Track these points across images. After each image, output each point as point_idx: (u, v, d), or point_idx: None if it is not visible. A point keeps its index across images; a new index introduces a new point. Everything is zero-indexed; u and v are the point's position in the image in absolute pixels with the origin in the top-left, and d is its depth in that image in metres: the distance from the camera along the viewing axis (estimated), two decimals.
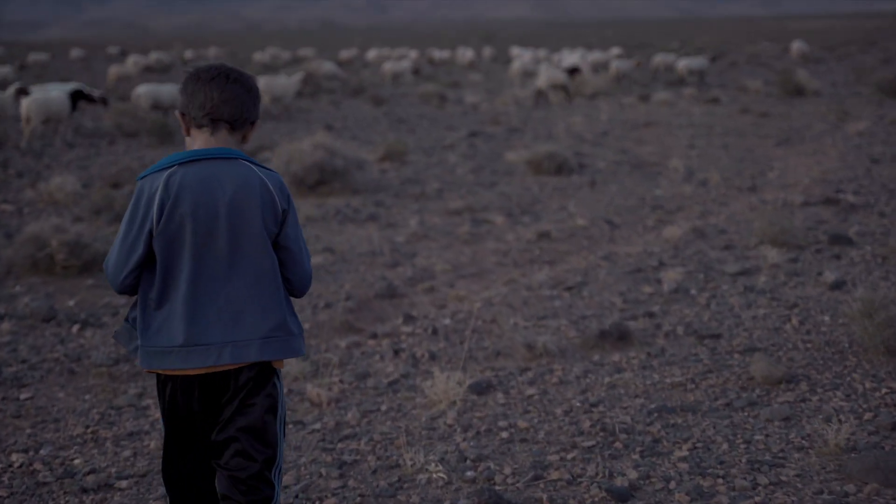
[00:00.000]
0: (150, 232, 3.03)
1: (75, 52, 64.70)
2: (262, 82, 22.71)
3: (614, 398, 5.46)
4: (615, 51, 47.05)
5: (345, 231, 10.96)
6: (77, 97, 18.78)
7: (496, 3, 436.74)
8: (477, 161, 15.72)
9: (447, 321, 7.20)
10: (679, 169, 14.29)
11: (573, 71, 29.59)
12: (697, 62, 34.71)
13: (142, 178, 3.08)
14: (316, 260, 9.38)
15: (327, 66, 35.49)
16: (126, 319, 3.19)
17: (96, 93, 20.31)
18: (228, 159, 3.09)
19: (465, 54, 48.08)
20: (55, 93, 18.43)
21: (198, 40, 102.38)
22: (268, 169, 3.16)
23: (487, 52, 56.49)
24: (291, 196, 3.20)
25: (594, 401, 5.42)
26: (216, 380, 3.10)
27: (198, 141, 3.13)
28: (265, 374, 3.15)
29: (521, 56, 38.64)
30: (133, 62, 41.99)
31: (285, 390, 5.69)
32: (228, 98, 3.10)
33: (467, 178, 14.16)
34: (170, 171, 3.05)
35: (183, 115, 3.14)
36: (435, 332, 6.96)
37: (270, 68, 43.23)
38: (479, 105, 25.73)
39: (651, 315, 7.01)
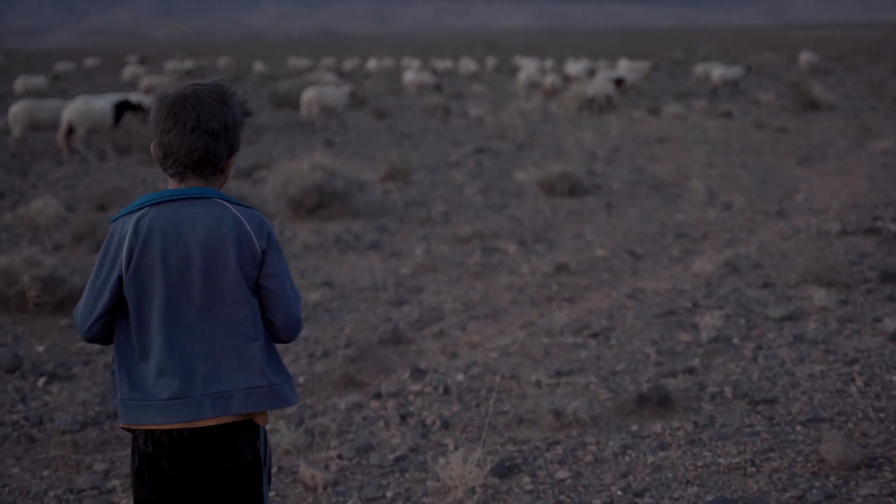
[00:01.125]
0: (120, 279, 2.85)
1: (90, 62, 63.54)
2: (313, 93, 22.00)
3: (662, 485, 4.62)
4: (623, 62, 46.28)
5: (345, 261, 10.15)
6: (122, 108, 18.56)
7: (498, 12, 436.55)
8: (484, 180, 14.91)
9: (460, 377, 6.37)
10: (699, 190, 13.48)
11: (619, 81, 29.68)
12: (733, 72, 33.93)
13: (114, 220, 2.90)
14: (313, 296, 8.58)
15: (328, 78, 34.71)
16: (112, 372, 2.96)
17: (146, 102, 19.93)
18: (202, 199, 2.89)
19: (469, 65, 47.30)
20: (99, 103, 18.19)
21: (200, 48, 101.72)
22: (245, 206, 2.94)
23: (491, 62, 55.72)
24: (273, 233, 2.95)
25: (638, 488, 4.59)
26: (196, 437, 2.87)
27: (171, 181, 2.95)
28: (247, 431, 2.93)
29: (528, 67, 37.76)
30: (172, 69, 41.34)
31: (274, 468, 4.91)
32: (193, 149, 2.85)
33: (475, 199, 13.36)
34: (140, 213, 2.86)
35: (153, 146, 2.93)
36: (447, 390, 6.13)
37: (270, 79, 42.41)
38: (485, 118, 24.93)
39: (692, 371, 6.18)
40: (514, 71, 50.94)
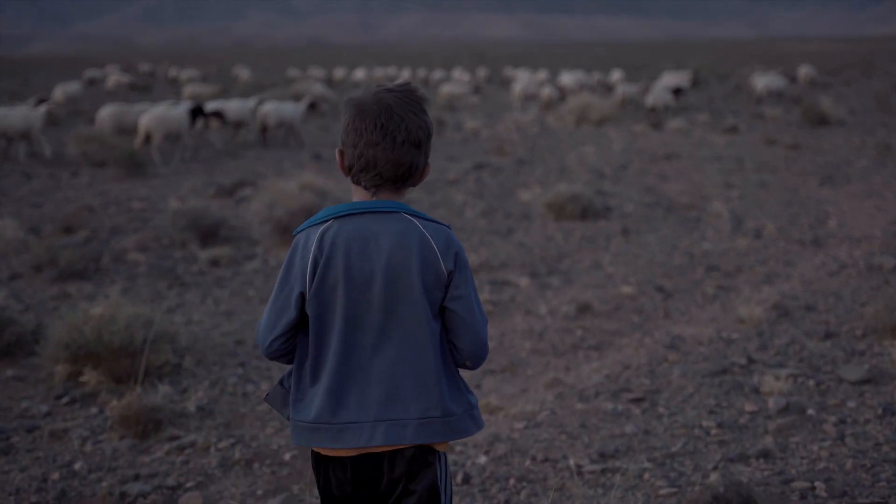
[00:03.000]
0: (303, 294, 2.74)
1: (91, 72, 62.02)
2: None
3: None
4: (617, 74, 45.28)
5: None
6: (196, 113, 18.75)
7: (485, 23, 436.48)
8: (487, 201, 13.78)
9: (482, 459, 5.21)
10: (722, 214, 12.37)
11: (678, 91, 29.30)
12: (777, 81, 32.97)
13: (297, 231, 2.79)
14: None
15: (316, 88, 33.57)
16: (280, 383, 2.92)
17: (209, 107, 20.44)
18: (388, 213, 2.75)
19: (462, 76, 46.22)
20: (176, 109, 18.50)
21: (185, 57, 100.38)
22: (435, 222, 2.79)
23: (482, 72, 54.63)
24: (462, 253, 2.79)
25: None
26: (370, 462, 2.76)
27: (357, 193, 2.81)
28: (425, 459, 2.77)
29: (522, 79, 36.69)
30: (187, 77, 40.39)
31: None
32: (400, 163, 2.72)
33: (479, 223, 12.22)
34: (325, 225, 2.74)
35: (342, 155, 2.79)
36: (467, 479, 4.98)
37: (257, 88, 41.22)
38: (480, 131, 23.82)
39: (767, 455, 5.04)
40: (505, 82, 49.92)
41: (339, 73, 54.33)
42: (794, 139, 20.64)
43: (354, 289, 2.71)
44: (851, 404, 5.65)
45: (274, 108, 21.13)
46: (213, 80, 49.81)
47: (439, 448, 2.80)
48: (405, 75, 50.28)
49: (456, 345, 2.81)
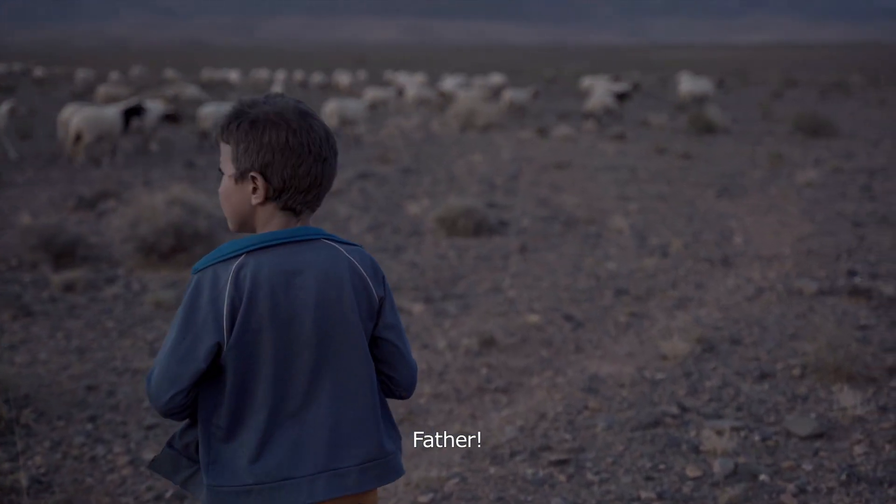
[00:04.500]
0: (219, 344, 2.34)
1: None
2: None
3: None
4: (496, 77, 44.85)
5: None
6: (130, 114, 18.23)
7: (366, 26, 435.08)
8: (373, 214, 12.84)
9: None
10: (623, 229, 11.68)
11: (622, 96, 29.31)
12: (701, 85, 32.66)
13: (198, 269, 2.39)
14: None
15: (191, 91, 32.15)
16: (169, 444, 2.53)
17: (170, 108, 20.46)
18: (308, 241, 2.43)
19: (343, 79, 45.18)
20: (109, 109, 18.03)
21: (55, 57, 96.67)
22: (352, 244, 2.51)
23: (362, 76, 53.66)
24: (385, 276, 2.52)
25: None
26: None
27: (273, 221, 2.43)
28: None
29: (410, 83, 35.86)
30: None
31: None
32: (321, 181, 2.44)
33: (365, 239, 11.28)
34: (238, 261, 2.36)
35: (266, 181, 2.39)
36: None
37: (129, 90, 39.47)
38: (362, 136, 22.86)
39: None
40: (386, 85, 49.06)
41: (216, 74, 52.65)
42: (683, 148, 20.25)
43: (282, 331, 2.39)
44: (808, 467, 4.88)
45: (214, 111, 20.75)
46: (84, 81, 47.80)
47: (369, 502, 2.53)
48: (280, 78, 48.92)
49: (392, 376, 2.58)
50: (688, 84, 33.25)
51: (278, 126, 2.38)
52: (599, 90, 30.95)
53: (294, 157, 2.38)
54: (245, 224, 2.48)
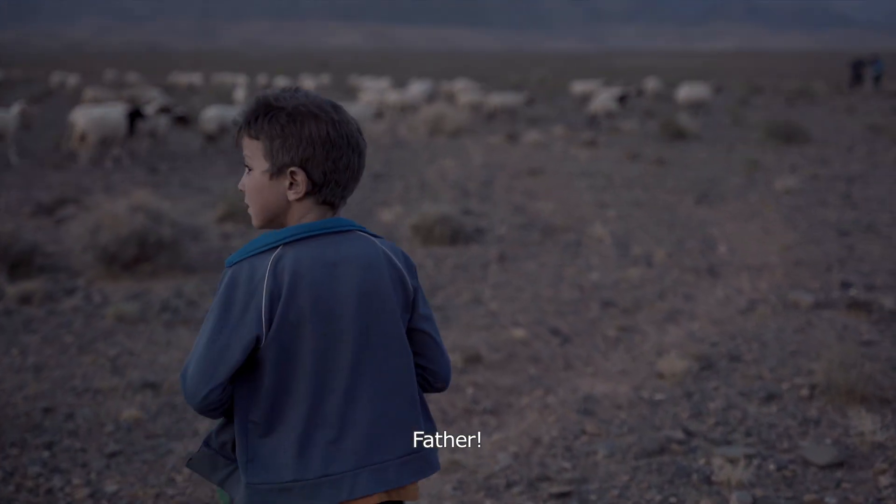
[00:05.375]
0: (258, 337, 2.29)
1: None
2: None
3: None
4: (460, 83, 44.51)
5: (175, 341, 7.51)
6: (135, 116, 18.00)
7: (327, 31, 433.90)
8: None
9: None
10: (604, 237, 11.31)
11: (622, 98, 29.22)
12: (699, 91, 32.46)
13: (233, 263, 2.33)
14: (127, 411, 5.94)
15: (152, 94, 31.52)
16: (206, 443, 2.48)
17: (179, 109, 20.68)
18: (344, 232, 2.40)
19: (308, 83, 44.65)
20: (114, 111, 17.84)
21: (11, 59, 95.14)
22: (381, 237, 2.48)
23: (325, 80, 53.12)
24: (413, 263, 2.50)
25: None
26: None
27: (309, 216, 2.38)
28: None
29: (372, 87, 35.37)
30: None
31: None
32: (357, 173, 2.44)
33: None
34: (276, 252, 2.31)
35: (307, 175, 2.34)
36: None
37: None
38: None
39: None
40: (350, 91, 48.57)
41: (182, 78, 51.90)
42: (656, 154, 19.95)
43: (323, 324, 2.34)
44: (832, 500, 4.50)
45: (217, 114, 20.30)
46: (40, 85, 46.95)
47: (410, 497, 2.47)
48: (241, 81, 48.28)
49: (430, 368, 2.53)
50: (686, 90, 33.09)
51: (318, 119, 2.32)
52: (602, 94, 30.88)
53: (335, 151, 2.33)
54: (274, 220, 2.40)
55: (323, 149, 2.32)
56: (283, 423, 2.35)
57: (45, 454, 5.37)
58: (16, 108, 18.34)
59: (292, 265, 2.30)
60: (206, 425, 5.77)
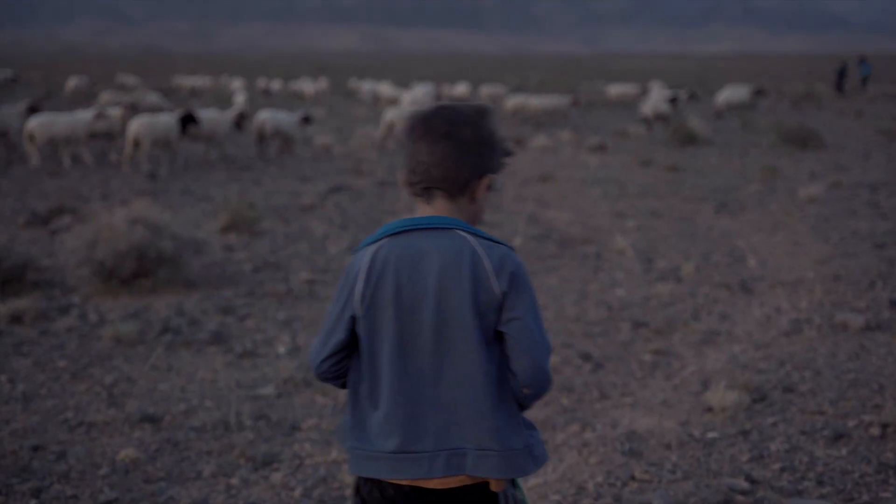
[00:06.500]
0: (353, 317, 2.58)
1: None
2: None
3: None
4: (461, 87, 44.00)
5: (176, 366, 6.97)
6: (187, 121, 17.95)
7: (325, 34, 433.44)
8: (352, 232, 11.85)
9: None
10: (626, 250, 10.77)
11: (673, 101, 29.04)
12: (739, 94, 32.03)
13: (356, 251, 2.65)
14: (124, 452, 5.38)
15: (152, 98, 30.96)
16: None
17: (238, 115, 20.55)
18: (442, 230, 2.55)
19: (308, 86, 44.04)
20: (165, 116, 17.95)
21: (9, 61, 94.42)
22: (494, 241, 2.56)
23: (324, 83, 52.56)
24: (520, 272, 2.53)
25: None
26: (426, 496, 2.56)
27: (419, 210, 2.64)
28: (483, 498, 2.56)
29: (369, 90, 34.81)
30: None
31: None
32: (439, 160, 2.53)
33: (347, 262, 10.27)
34: (378, 244, 2.58)
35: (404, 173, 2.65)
36: None
37: (89, 96, 38.13)
38: (333, 147, 21.84)
39: None
40: (349, 94, 48.01)
41: (185, 81, 51.29)
42: (668, 160, 19.42)
43: (404, 311, 2.53)
44: None
45: (271, 116, 20.02)
46: (38, 87, 46.41)
47: (494, 487, 2.55)
48: (237, 85, 47.69)
49: (512, 370, 2.54)
50: (726, 92, 32.68)
51: (410, 118, 2.65)
52: (654, 95, 30.53)
53: (407, 140, 2.60)
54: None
55: (405, 145, 2.59)
56: (378, 398, 2.56)
57: (32, 502, 4.82)
58: (21, 106, 18.91)
59: (385, 255, 2.55)
60: (211, 468, 5.22)
